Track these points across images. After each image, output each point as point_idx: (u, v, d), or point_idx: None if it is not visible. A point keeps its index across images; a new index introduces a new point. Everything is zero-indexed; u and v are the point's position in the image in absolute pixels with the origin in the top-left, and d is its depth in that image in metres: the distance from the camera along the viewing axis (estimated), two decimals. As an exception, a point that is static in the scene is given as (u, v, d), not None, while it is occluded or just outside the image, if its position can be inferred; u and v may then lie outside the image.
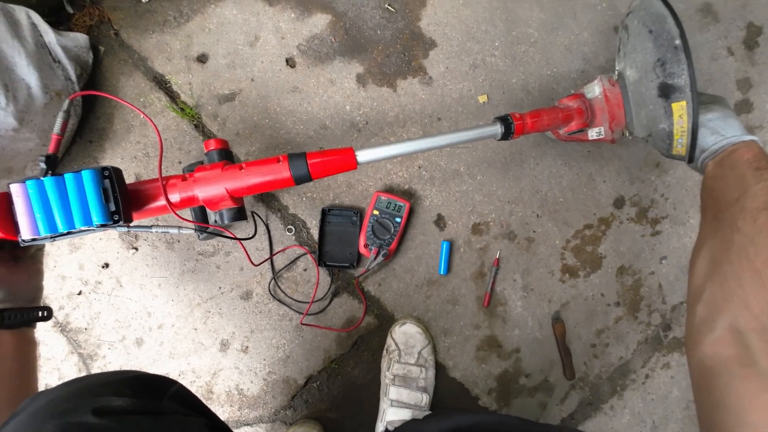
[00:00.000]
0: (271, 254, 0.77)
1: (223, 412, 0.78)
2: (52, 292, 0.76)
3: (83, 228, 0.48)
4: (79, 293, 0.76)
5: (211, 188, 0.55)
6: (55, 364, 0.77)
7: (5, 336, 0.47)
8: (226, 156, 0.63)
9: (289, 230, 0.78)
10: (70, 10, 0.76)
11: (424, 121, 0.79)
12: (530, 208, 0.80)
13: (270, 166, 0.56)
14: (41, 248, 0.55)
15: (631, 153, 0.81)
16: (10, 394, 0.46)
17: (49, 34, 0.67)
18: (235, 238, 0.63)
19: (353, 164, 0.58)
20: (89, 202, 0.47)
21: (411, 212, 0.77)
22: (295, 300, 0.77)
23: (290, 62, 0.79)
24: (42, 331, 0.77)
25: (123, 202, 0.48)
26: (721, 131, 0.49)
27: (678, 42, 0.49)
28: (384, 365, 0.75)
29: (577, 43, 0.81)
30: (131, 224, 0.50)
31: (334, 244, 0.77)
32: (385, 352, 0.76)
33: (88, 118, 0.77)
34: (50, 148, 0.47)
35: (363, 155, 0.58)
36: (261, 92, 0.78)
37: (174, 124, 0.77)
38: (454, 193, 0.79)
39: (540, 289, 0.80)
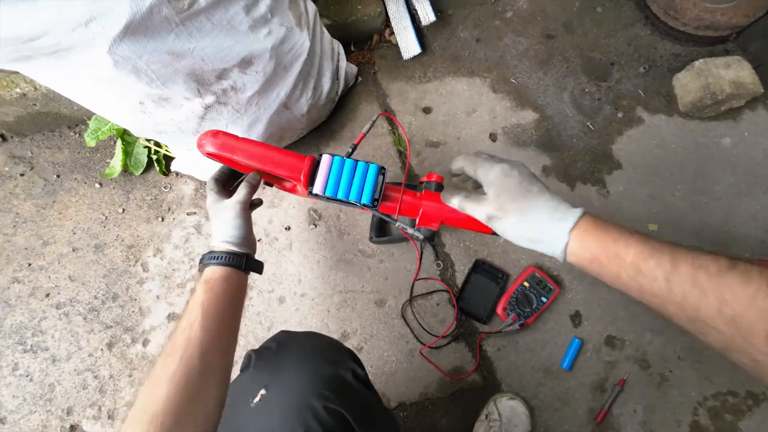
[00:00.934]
0: (415, 278, 0.86)
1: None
2: (240, 230, 0.94)
3: (350, 201, 0.62)
4: (259, 240, 0.93)
5: (432, 210, 0.68)
6: (213, 287, 0.91)
7: (242, 277, 0.52)
8: (439, 189, 0.76)
9: (438, 265, 0.87)
10: (352, 48, 1.03)
11: (590, 225, 0.87)
12: (673, 346, 0.79)
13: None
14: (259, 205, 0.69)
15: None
16: (237, 326, 0.51)
17: (343, 61, 0.92)
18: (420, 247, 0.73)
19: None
20: (365, 186, 0.61)
21: (555, 298, 0.82)
22: (420, 325, 0.84)
23: (492, 137, 0.95)
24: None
25: (382, 194, 0.62)
26: None
27: None
28: (480, 430, 0.75)
29: (763, 215, 0.84)
30: (379, 211, 0.63)
31: (473, 295, 0.83)
32: (484, 417, 0.77)
33: (327, 120, 0.99)
34: (356, 141, 0.65)
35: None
36: (461, 150, 0.94)
37: (385, 147, 0.96)
38: (599, 299, 0.82)
39: (660, 434, 0.76)
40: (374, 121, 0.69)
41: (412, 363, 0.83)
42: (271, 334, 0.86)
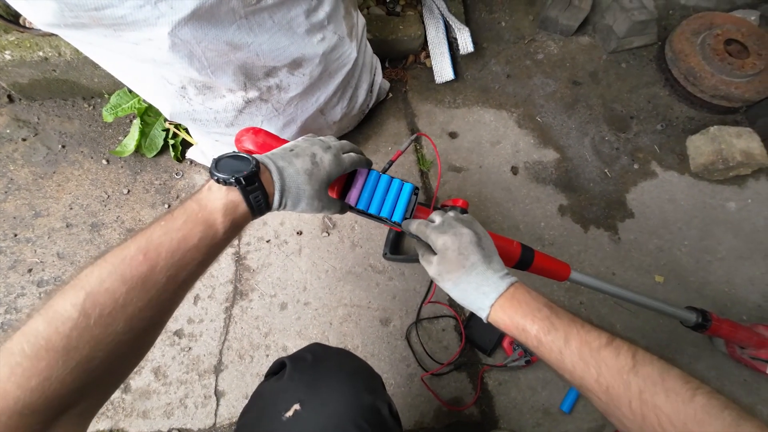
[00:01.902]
0: (423, 302, 0.85)
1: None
2: (249, 230, 0.91)
3: (381, 216, 0.61)
4: (268, 241, 0.90)
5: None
6: (213, 284, 0.87)
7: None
8: (463, 213, 0.76)
9: (448, 290, 0.86)
10: (387, 64, 1.04)
11: (600, 269, 0.88)
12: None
13: (506, 244, 0.67)
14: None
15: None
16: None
17: (379, 75, 0.93)
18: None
19: (564, 278, 0.67)
20: (398, 204, 0.61)
21: (560, 337, 0.81)
22: (423, 350, 0.82)
23: (514, 170, 0.96)
24: (223, 254, 0.90)
25: (413, 214, 0.62)
26: None
27: None
28: (475, 466, 0.73)
29: (761, 281, 0.87)
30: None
31: (480, 325, 0.82)
32: (480, 453, 0.74)
33: (353, 131, 0.99)
34: (393, 157, 0.64)
35: (575, 275, 0.67)
36: (482, 178, 0.95)
37: (408, 165, 0.96)
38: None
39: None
40: (412, 140, 0.69)
41: (411, 388, 0.80)
42: (268, 341, 0.83)
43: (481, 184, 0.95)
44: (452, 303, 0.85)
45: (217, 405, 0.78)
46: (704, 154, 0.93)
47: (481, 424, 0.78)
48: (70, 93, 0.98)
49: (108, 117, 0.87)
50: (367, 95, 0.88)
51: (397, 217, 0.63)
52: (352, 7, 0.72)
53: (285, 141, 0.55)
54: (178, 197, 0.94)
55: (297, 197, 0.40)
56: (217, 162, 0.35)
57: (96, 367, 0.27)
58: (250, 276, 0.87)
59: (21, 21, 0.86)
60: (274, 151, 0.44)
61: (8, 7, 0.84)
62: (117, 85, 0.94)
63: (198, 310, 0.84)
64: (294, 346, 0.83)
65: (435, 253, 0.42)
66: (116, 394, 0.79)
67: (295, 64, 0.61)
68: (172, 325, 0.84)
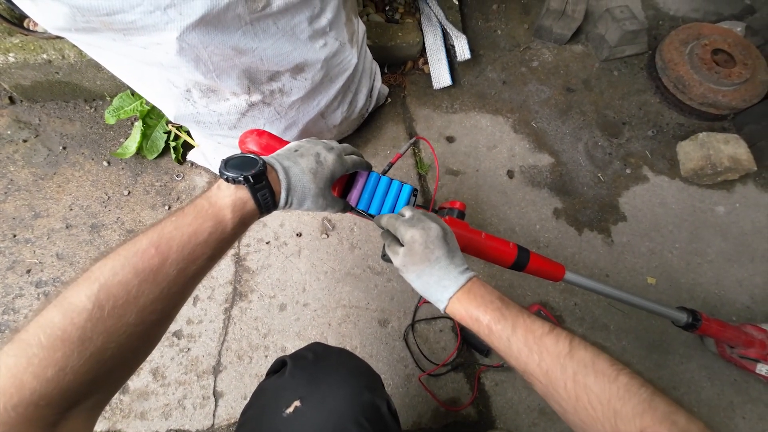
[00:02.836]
0: (419, 302, 0.86)
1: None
2: (249, 232, 0.92)
3: (381, 218, 0.62)
4: (267, 243, 0.91)
5: (460, 236, 0.69)
6: (213, 285, 0.88)
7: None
8: (461, 216, 0.78)
9: (445, 291, 0.87)
10: (386, 70, 1.07)
11: (594, 271, 0.90)
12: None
13: (502, 246, 0.69)
14: None
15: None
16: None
17: (378, 80, 0.95)
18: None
19: (559, 278, 0.68)
20: (397, 205, 0.62)
21: (555, 338, 0.83)
22: (420, 351, 0.83)
23: (509, 173, 0.98)
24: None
25: (412, 215, 0.63)
26: None
27: None
28: (472, 465, 0.73)
29: (749, 283, 0.90)
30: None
31: (478, 325, 0.84)
32: (477, 452, 0.75)
33: (353, 135, 1.01)
34: (392, 160, 0.66)
35: (570, 276, 0.68)
36: (478, 181, 0.97)
37: (406, 168, 0.98)
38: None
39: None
40: (411, 144, 0.70)
41: (409, 389, 0.81)
42: (267, 342, 0.83)
43: (478, 188, 0.96)
44: (449, 304, 0.86)
45: (216, 406, 0.78)
46: (693, 160, 0.96)
47: (478, 424, 0.79)
48: (71, 95, 0.98)
49: (110, 119, 0.88)
50: (367, 100, 0.90)
51: None
52: (353, 14, 0.74)
53: (287, 142, 0.56)
54: (178, 199, 0.94)
55: (302, 195, 0.41)
56: (226, 162, 0.37)
57: (108, 359, 0.28)
58: (249, 277, 0.88)
59: (25, 23, 0.87)
60: (279, 151, 0.45)
61: (12, 9, 0.85)
62: (119, 87, 0.95)
63: (197, 311, 0.85)
64: (293, 346, 0.83)
65: (402, 245, 0.43)
66: (114, 395, 0.79)
67: (298, 69, 0.63)
68: (171, 326, 0.84)
